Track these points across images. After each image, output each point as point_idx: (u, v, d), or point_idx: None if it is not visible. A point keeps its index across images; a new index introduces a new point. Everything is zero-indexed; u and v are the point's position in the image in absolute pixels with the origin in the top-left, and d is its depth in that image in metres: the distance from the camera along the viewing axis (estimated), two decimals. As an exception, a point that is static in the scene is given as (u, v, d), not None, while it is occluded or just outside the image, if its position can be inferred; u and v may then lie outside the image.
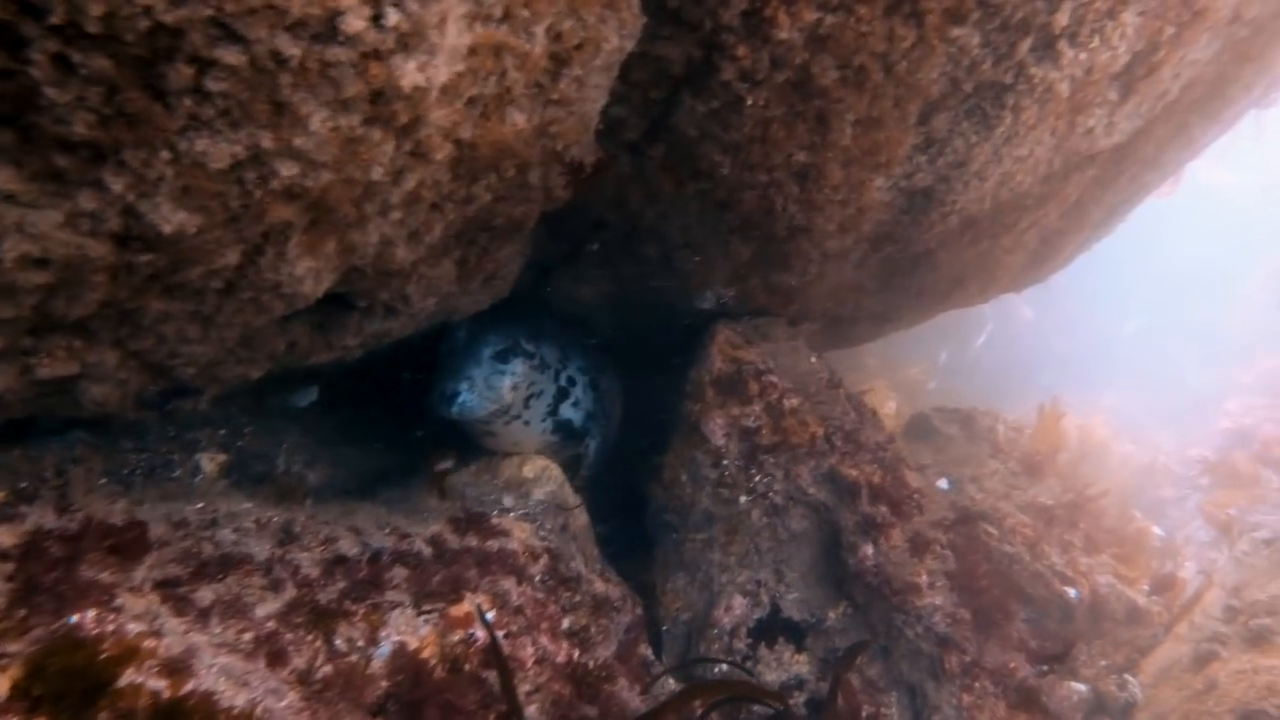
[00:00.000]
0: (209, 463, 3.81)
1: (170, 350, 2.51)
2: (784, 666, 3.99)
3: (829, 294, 4.66)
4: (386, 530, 3.46)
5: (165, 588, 2.34)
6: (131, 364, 2.54)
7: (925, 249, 4.37)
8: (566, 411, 4.34)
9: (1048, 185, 4.16)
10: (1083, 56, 2.98)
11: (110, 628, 2.03)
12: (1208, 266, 18.75)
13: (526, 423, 4.12)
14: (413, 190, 2.11)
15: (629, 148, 3.12)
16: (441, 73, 1.68)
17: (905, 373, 9.26)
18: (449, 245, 3.02)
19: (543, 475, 4.24)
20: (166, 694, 1.88)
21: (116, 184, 1.50)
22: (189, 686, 2.09)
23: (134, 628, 2.05)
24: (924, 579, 3.83)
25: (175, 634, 2.19)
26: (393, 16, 1.48)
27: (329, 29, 1.43)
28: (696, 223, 3.60)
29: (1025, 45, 2.82)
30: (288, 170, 1.63)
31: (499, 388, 3.82)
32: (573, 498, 4.23)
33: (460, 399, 3.66)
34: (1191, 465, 7.50)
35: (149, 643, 2.05)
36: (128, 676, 1.85)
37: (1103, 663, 4.38)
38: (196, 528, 2.93)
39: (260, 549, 2.97)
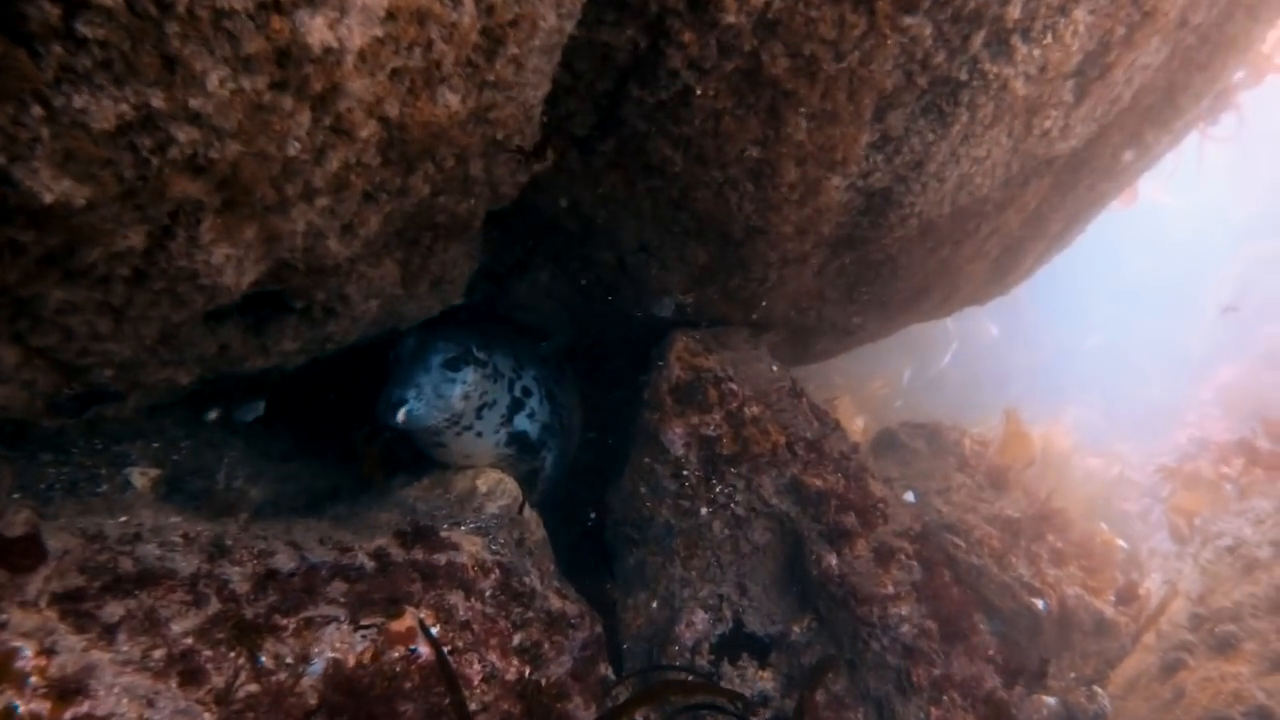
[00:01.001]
0: (140, 477, 3.60)
1: (81, 347, 2.34)
2: (748, 683, 3.85)
3: (790, 302, 4.59)
4: (328, 545, 3.29)
5: (65, 602, 2.16)
6: (37, 363, 2.37)
7: (886, 255, 4.32)
8: (521, 423, 4.20)
9: (1007, 191, 4.15)
10: (1037, 53, 2.96)
11: (-7, 645, 1.85)
12: (1164, 283, 19.17)
13: (479, 434, 3.97)
14: (338, 172, 1.99)
15: (578, 144, 3.03)
16: (356, 35, 1.57)
17: (871, 390, 9.25)
18: (390, 243, 2.89)
19: (497, 489, 4.08)
20: (47, 717, 1.71)
21: (-15, 144, 1.36)
22: (84, 709, 1.91)
23: (18, 645, 1.87)
24: (890, 589, 3.73)
25: (71, 652, 2.01)
26: (295, -34, 1.37)
27: (220, -26, 1.31)
28: (651, 224, 3.51)
29: (979, 39, 2.79)
30: (186, 136, 1.50)
31: (449, 396, 3.67)
32: (529, 512, 4.08)
33: (407, 407, 3.51)
34: (1154, 476, 7.54)
35: (37, 661, 1.87)
36: (1, 699, 1.67)
37: (1071, 675, 4.30)
38: (115, 542, 2.74)
39: (186, 564, 2.79)
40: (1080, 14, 2.86)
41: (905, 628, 3.68)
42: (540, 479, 4.49)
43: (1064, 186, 4.55)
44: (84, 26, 1.25)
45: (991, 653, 3.80)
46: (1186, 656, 4.01)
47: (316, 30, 1.47)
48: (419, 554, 3.40)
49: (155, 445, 3.73)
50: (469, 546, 3.56)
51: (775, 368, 4.60)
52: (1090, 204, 5.14)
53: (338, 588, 3.00)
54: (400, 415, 3.51)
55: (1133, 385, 15.05)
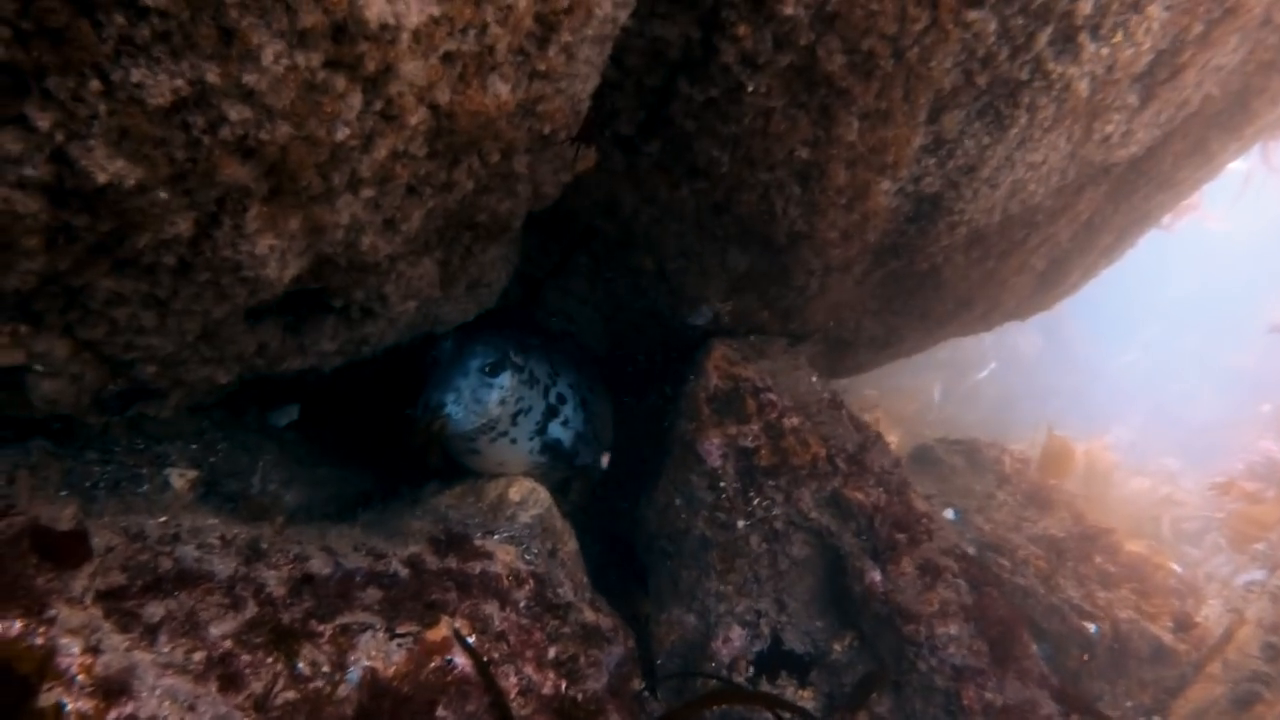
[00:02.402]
0: (179, 478, 3.60)
1: (126, 341, 2.32)
2: (787, 704, 3.72)
3: (829, 312, 4.49)
4: (362, 551, 3.24)
5: (109, 600, 2.12)
6: (85, 357, 2.36)
7: (930, 265, 4.21)
8: (555, 431, 4.13)
9: (1059, 199, 4.02)
10: (1104, 52, 2.85)
11: (39, 640, 1.81)
12: (1212, 302, 18.68)
13: (513, 441, 3.91)
14: (384, 162, 1.95)
15: (622, 143, 2.98)
16: (413, 12, 1.53)
17: (904, 405, 9.09)
18: (430, 242, 2.86)
19: (530, 498, 4.01)
20: (93, 716, 1.65)
21: (43, 121, 1.33)
22: (128, 709, 1.86)
23: (66, 642, 1.83)
24: (936, 607, 3.59)
25: (115, 651, 1.96)
26: (353, -63, 1.33)
27: (278, -57, 1.28)
28: (692, 229, 3.44)
29: (1044, 36, 2.69)
30: (238, 115, 1.46)
31: (486, 401, 3.62)
32: (561, 522, 4.00)
33: (446, 410, 3.46)
34: (1207, 497, 7.26)
35: (83, 659, 1.82)
36: (50, 696, 1.62)
37: (1128, 703, 4.11)
38: (155, 541, 2.71)
39: (224, 566, 2.75)
40: (1155, 9, 2.74)
41: (954, 648, 3.54)
42: (573, 489, 4.41)
43: (1119, 196, 4.41)
44: (144, -4, 1.22)
45: (1044, 676, 3.64)
46: (1262, 689, 3.79)
47: (375, 4, 1.43)
48: (453, 562, 3.34)
49: (194, 447, 3.72)
50: (503, 556, 3.49)
51: (814, 378, 4.49)
52: (1145, 215, 4.98)
53: (373, 595, 2.94)
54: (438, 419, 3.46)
55: (1180, 405, 14.64)
